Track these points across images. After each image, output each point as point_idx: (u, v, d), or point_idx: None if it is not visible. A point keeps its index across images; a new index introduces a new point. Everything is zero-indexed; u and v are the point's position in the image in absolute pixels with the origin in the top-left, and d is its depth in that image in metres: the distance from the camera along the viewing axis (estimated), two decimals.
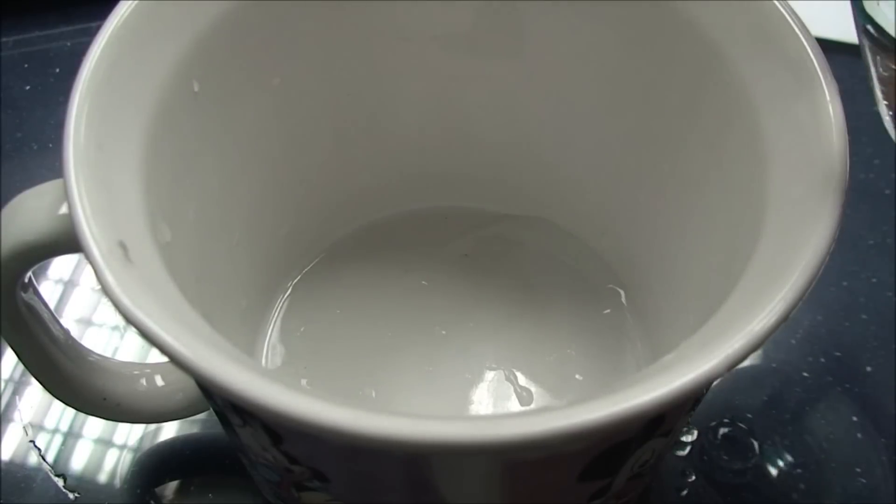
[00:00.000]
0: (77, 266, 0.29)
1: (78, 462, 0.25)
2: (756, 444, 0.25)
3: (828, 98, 0.17)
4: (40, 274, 0.29)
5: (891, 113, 0.19)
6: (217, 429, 0.24)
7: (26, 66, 0.34)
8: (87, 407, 0.23)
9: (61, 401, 0.22)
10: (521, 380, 0.24)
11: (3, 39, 0.35)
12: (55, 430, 0.26)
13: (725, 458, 0.25)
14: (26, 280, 0.19)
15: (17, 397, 0.26)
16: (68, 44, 0.35)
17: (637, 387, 0.14)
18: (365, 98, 0.24)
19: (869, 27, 0.18)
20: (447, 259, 0.26)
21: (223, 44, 0.20)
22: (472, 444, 0.13)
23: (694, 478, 0.25)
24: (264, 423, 0.16)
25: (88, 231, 0.15)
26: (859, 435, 0.26)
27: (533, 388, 0.24)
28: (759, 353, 0.27)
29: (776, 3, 0.18)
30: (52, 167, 0.31)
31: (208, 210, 0.21)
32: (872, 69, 0.19)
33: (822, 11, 0.24)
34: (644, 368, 0.16)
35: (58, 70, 0.34)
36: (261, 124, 0.22)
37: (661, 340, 0.24)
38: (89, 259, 0.15)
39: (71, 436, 0.26)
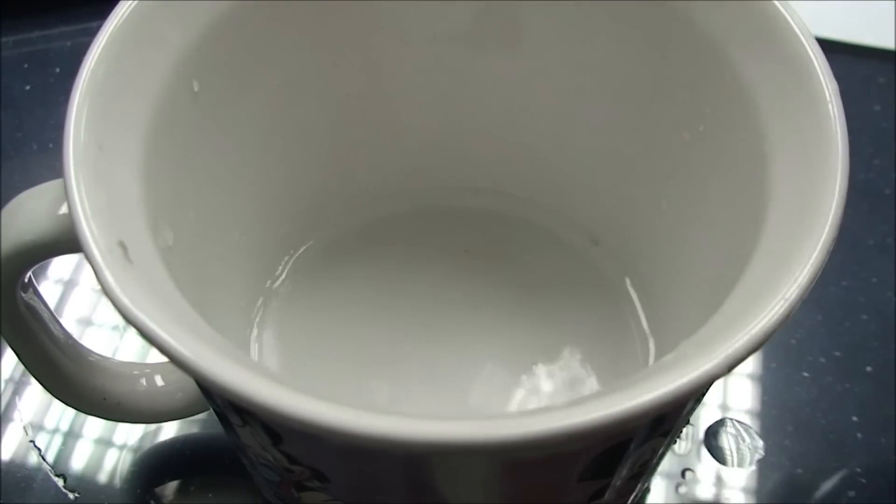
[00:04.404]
0: (77, 266, 0.29)
1: (78, 462, 0.25)
2: (756, 444, 0.25)
3: (828, 98, 0.17)
4: (40, 274, 0.29)
5: None
6: (217, 429, 0.24)
7: (26, 66, 0.34)
8: (87, 407, 0.23)
9: (61, 401, 0.22)
10: (523, 378, 0.24)
11: (3, 39, 0.35)
12: (55, 430, 0.26)
13: (725, 457, 0.25)
14: (26, 280, 0.19)
15: (17, 397, 0.26)
16: (68, 44, 0.35)
17: (637, 387, 0.14)
18: (365, 98, 0.24)
19: None
20: (448, 256, 0.26)
21: (223, 44, 0.20)
22: (472, 444, 0.13)
23: (694, 478, 0.25)
24: (264, 423, 0.16)
25: (88, 231, 0.15)
26: (859, 435, 0.26)
27: (534, 387, 0.24)
28: (759, 352, 0.27)
29: (776, 3, 0.18)
30: (52, 167, 0.31)
31: (208, 210, 0.21)
32: None
33: (822, 11, 0.23)
34: (645, 368, 0.16)
35: (58, 70, 0.34)
36: (261, 124, 0.22)
37: (665, 339, 0.24)
38: (89, 259, 0.15)
39: (71, 436, 0.26)
